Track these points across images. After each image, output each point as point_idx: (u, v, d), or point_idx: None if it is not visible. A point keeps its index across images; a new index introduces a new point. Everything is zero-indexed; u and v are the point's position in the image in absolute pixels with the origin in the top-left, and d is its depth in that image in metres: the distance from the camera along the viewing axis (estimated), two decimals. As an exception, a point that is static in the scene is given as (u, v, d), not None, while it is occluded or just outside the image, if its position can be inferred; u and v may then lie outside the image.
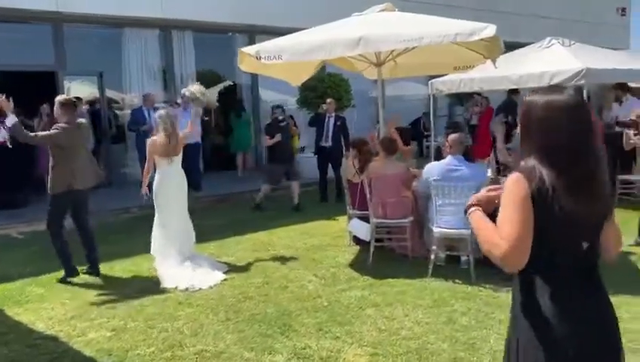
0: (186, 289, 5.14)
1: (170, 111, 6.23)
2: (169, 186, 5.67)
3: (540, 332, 1.79)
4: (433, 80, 10.03)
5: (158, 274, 5.48)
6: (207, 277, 5.38)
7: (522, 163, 1.84)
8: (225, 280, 5.39)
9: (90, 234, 5.62)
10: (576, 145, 1.80)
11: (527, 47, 9.80)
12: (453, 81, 9.68)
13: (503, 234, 1.76)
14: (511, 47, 7.68)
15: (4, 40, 9.75)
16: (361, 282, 5.21)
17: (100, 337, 4.15)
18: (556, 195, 1.75)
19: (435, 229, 5.21)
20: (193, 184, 10.07)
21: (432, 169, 5.27)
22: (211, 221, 7.91)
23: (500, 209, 1.83)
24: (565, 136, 1.79)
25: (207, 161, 13.28)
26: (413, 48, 6.68)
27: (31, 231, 7.48)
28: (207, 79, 13.37)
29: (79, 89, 11.25)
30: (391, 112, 7.62)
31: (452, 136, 5.32)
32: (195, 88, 6.29)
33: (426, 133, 14.32)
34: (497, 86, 9.38)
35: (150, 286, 5.27)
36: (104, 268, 5.76)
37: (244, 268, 5.77)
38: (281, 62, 5.63)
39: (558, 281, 1.80)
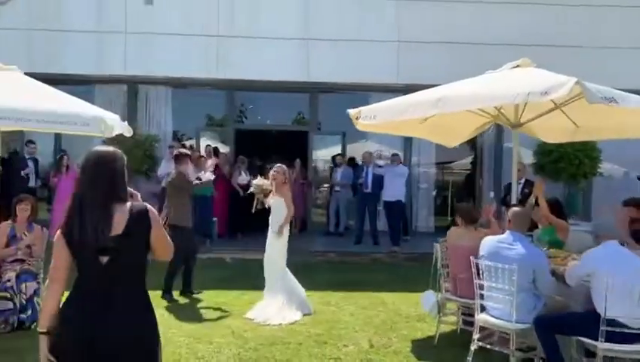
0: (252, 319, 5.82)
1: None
2: None
3: None
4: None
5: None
6: (286, 314, 5.86)
7: None
8: (292, 323, 5.73)
9: None
10: None
11: None
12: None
13: None
14: None
15: (270, 105, 12.23)
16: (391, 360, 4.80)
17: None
18: None
19: (477, 316, 4.41)
20: (392, 240, 10.41)
21: (484, 244, 4.48)
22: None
23: None
24: None
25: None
26: (565, 105, 5.69)
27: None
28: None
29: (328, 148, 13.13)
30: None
31: (513, 210, 4.42)
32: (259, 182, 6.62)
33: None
34: None
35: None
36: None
37: (321, 320, 5.89)
38: (375, 122, 5.74)
39: None
